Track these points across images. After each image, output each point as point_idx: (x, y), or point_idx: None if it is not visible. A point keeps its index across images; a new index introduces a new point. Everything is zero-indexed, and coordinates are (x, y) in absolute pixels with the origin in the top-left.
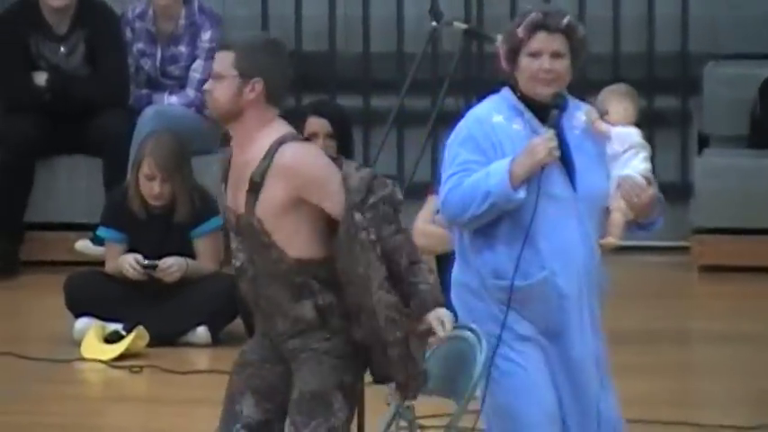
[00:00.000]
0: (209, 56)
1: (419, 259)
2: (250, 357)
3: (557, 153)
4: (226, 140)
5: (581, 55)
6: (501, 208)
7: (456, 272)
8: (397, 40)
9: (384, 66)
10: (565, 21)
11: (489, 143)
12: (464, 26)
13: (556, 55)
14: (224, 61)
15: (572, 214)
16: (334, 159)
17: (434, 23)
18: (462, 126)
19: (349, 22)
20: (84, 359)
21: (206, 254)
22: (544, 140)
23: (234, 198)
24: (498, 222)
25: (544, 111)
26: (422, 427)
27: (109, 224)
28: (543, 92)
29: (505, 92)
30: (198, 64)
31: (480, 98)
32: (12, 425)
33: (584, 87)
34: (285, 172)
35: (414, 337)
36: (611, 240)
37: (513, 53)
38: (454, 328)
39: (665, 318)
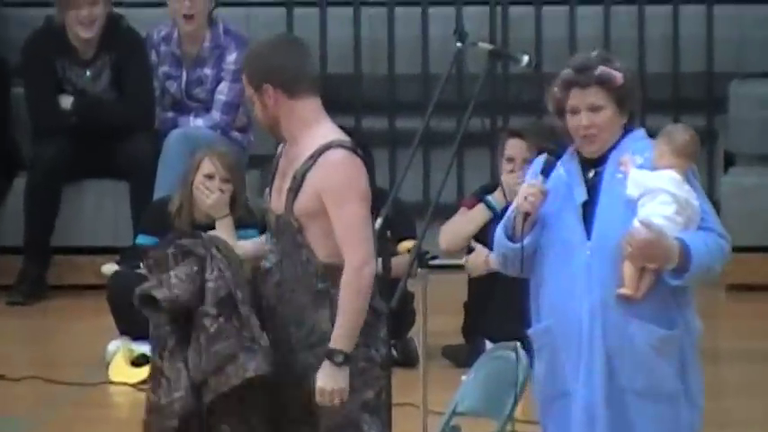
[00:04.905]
0: (235, 78)
1: None
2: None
3: (532, 200)
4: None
5: (629, 99)
6: (509, 257)
7: None
8: (422, 61)
9: (409, 87)
10: (597, 72)
11: None
12: (489, 47)
13: (593, 108)
14: (245, 83)
15: (580, 262)
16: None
17: (459, 44)
18: None
19: (374, 43)
20: (112, 383)
21: None
22: (523, 188)
23: (276, 198)
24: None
25: (597, 164)
26: None
27: (149, 232)
28: (588, 149)
29: None
30: (223, 86)
31: (505, 119)
32: None
33: None
34: (318, 175)
35: None
36: (623, 291)
37: (560, 113)
38: (497, 348)
39: None
